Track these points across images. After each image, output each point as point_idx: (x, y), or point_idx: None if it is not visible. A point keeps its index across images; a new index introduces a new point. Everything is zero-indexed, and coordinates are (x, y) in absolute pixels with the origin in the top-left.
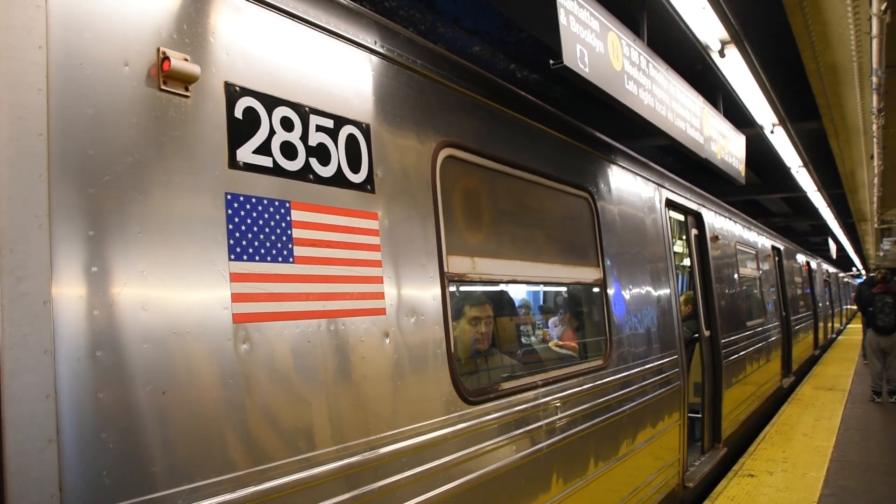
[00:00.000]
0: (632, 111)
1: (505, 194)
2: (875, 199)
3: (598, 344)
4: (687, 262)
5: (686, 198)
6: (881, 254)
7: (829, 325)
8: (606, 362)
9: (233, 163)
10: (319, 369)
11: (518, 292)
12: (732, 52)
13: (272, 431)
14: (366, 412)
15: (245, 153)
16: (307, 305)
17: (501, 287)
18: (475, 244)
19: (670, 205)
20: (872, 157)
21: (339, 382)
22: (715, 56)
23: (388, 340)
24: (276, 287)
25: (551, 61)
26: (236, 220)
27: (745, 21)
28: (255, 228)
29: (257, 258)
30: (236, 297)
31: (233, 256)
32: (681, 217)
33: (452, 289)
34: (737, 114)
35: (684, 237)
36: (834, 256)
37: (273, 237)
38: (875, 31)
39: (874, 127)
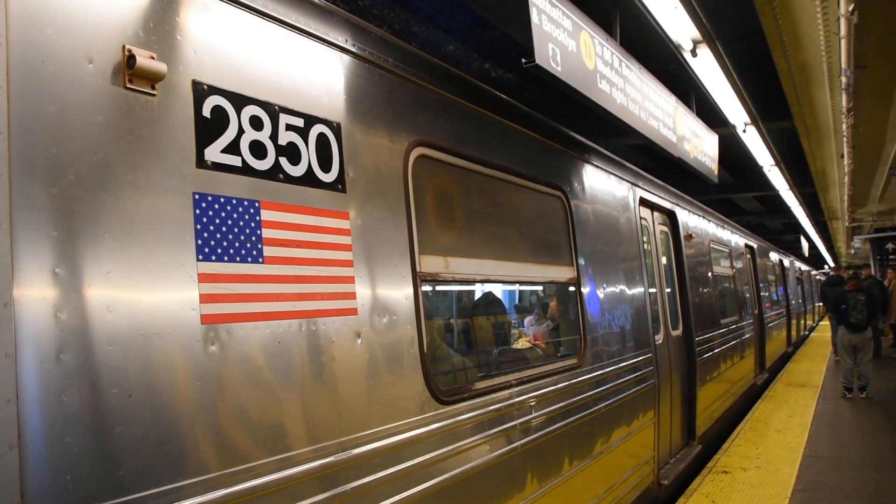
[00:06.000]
0: (604, 110)
1: (478, 193)
2: (846, 197)
3: (572, 342)
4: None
5: (660, 196)
6: (852, 251)
7: (802, 322)
8: (581, 361)
9: (201, 162)
10: (290, 370)
11: (492, 292)
12: (704, 51)
13: (243, 433)
14: (338, 413)
15: (213, 152)
16: (277, 306)
17: (475, 287)
18: (448, 244)
19: (644, 203)
20: (843, 156)
21: (311, 383)
22: (687, 55)
23: (359, 341)
24: (246, 288)
25: (523, 60)
26: (204, 220)
27: (717, 21)
28: (224, 228)
29: (226, 258)
30: (205, 298)
31: (201, 257)
32: (655, 216)
33: (425, 288)
34: (709, 113)
35: (658, 236)
36: (806, 254)
37: (242, 237)
38: (843, 31)
39: (844, 126)
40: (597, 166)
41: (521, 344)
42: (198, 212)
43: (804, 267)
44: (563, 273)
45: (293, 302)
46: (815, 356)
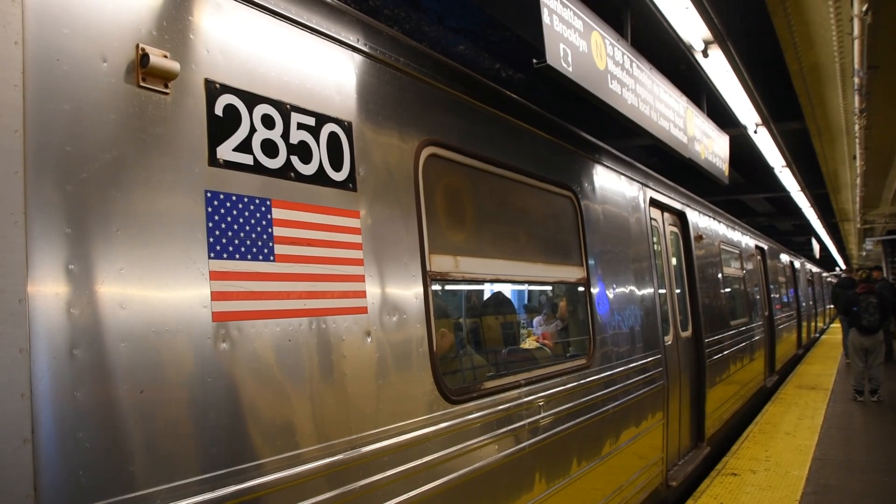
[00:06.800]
0: (615, 111)
1: (488, 193)
2: (857, 198)
3: (581, 343)
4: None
5: (670, 197)
6: (864, 253)
7: (813, 324)
8: (590, 361)
9: (213, 160)
10: (300, 368)
11: (502, 291)
12: (716, 52)
13: (252, 430)
14: (348, 411)
15: (225, 151)
16: (288, 304)
17: (484, 286)
18: (458, 243)
19: (654, 204)
20: (855, 157)
21: (321, 381)
22: (698, 56)
23: (369, 339)
24: (257, 285)
25: (534, 60)
26: (216, 217)
27: (728, 21)
28: (236, 226)
29: (237, 256)
30: (216, 296)
31: (212, 255)
32: (665, 216)
33: (435, 287)
34: (720, 114)
35: (668, 236)
36: (817, 256)
37: (254, 235)
38: (856, 32)
39: (856, 127)
40: (607, 167)
41: (530, 344)
42: (210, 210)
43: (815, 269)
44: (572, 273)
45: (304, 300)
46: (825, 358)
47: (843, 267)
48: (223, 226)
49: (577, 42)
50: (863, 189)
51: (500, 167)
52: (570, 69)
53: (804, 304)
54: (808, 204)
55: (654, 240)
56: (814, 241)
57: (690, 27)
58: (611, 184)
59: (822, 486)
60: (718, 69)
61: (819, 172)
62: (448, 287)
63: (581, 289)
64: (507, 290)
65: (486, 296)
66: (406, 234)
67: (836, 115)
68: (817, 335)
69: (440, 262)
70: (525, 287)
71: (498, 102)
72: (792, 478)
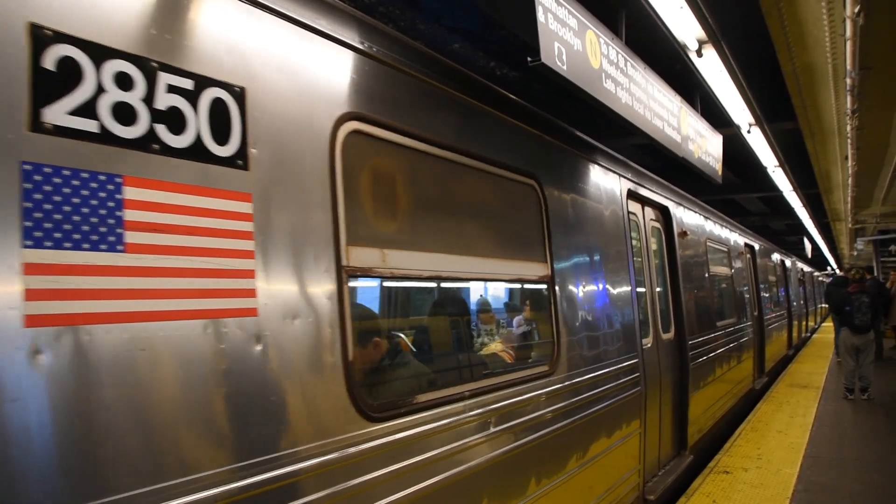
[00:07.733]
0: (609, 109)
1: (429, 178)
2: (849, 199)
3: (543, 347)
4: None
5: (652, 190)
6: (855, 253)
7: (804, 324)
8: (553, 368)
9: (36, 125)
10: (158, 384)
11: (445, 290)
12: (710, 52)
13: (82, 468)
14: (222, 437)
15: (57, 114)
16: (143, 305)
17: (422, 283)
18: (388, 234)
19: (633, 197)
20: (847, 157)
21: (187, 399)
22: (693, 56)
23: (259, 347)
24: (96, 281)
25: (529, 58)
26: (37, 196)
27: (723, 21)
28: (67, 208)
29: (67, 245)
30: (32, 294)
31: (30, 242)
32: (646, 210)
33: (354, 285)
34: (714, 113)
35: (649, 232)
36: (809, 256)
37: (94, 220)
38: (849, 33)
39: (848, 128)
40: (579, 154)
41: (482, 350)
42: (28, 186)
43: (807, 268)
44: (534, 270)
45: (166, 300)
46: (817, 357)
47: (836, 266)
48: (48, 207)
49: (571, 41)
50: (854, 189)
51: (445, 149)
52: (565, 67)
53: (795, 303)
54: (801, 204)
55: (633, 235)
56: (806, 241)
57: (685, 27)
58: (582, 173)
59: (813, 483)
60: (712, 69)
61: (811, 172)
62: (374, 285)
63: (544, 288)
64: (452, 288)
65: (426, 296)
66: (316, 222)
67: (829, 116)
68: (808, 335)
69: (362, 256)
70: (474, 285)
71: (446, 76)
72: (783, 475)
